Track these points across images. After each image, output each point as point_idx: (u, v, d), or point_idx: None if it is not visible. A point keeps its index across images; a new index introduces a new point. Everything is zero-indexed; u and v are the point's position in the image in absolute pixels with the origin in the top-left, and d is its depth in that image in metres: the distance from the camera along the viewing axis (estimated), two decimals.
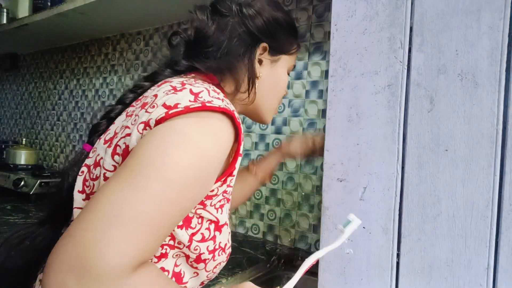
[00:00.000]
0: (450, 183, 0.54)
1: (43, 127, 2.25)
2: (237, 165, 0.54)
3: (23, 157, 1.93)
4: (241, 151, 0.54)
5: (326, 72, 1.14)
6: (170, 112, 0.46)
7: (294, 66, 0.76)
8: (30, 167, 1.91)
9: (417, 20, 0.57)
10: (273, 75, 0.68)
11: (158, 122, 0.46)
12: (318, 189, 1.15)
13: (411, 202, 0.58)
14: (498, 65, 0.51)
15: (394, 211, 0.59)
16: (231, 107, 0.51)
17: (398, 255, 0.59)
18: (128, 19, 1.59)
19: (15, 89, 2.51)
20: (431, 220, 0.56)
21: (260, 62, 0.66)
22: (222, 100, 0.51)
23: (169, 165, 0.43)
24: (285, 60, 0.70)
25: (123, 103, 0.58)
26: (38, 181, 1.54)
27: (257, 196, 1.28)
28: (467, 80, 0.53)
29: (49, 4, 1.63)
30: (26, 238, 0.54)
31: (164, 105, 0.48)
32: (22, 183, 1.55)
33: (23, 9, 1.92)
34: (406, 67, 0.58)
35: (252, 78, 0.63)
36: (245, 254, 1.07)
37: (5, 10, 1.90)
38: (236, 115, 0.51)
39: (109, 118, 0.57)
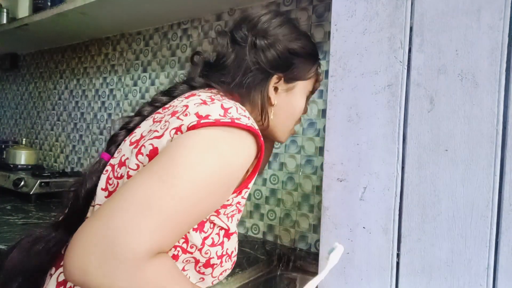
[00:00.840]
0: (450, 183, 0.54)
1: (43, 127, 2.25)
2: (253, 180, 0.57)
3: (23, 157, 1.93)
4: (259, 168, 0.57)
5: (326, 72, 1.14)
6: (202, 121, 0.50)
7: (312, 91, 0.74)
8: (30, 167, 1.91)
9: (417, 20, 0.57)
10: (289, 102, 0.69)
11: (190, 128, 0.50)
12: (318, 189, 1.15)
13: (411, 202, 0.57)
14: (498, 65, 0.51)
15: (394, 211, 0.59)
16: (255, 126, 0.54)
17: (398, 255, 0.59)
18: (128, 19, 1.59)
19: (15, 89, 2.51)
20: (431, 220, 0.56)
21: (276, 89, 0.67)
22: (249, 118, 0.54)
23: (200, 169, 0.47)
24: (302, 85, 0.70)
25: (141, 115, 0.61)
26: (38, 181, 1.54)
27: (257, 196, 1.28)
28: (467, 80, 0.53)
29: (49, 4, 1.63)
30: (38, 242, 0.55)
31: (196, 114, 0.51)
32: (22, 183, 1.55)
33: (23, 9, 1.92)
34: (406, 67, 0.58)
35: (264, 107, 0.65)
36: (245, 254, 1.07)
37: (5, 10, 1.90)
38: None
39: (127, 129, 0.60)
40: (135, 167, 0.52)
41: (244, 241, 1.21)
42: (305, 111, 0.75)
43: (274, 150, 1.24)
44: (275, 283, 1.04)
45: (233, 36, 0.66)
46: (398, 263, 0.59)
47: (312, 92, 0.74)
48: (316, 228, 1.14)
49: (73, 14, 1.51)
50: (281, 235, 1.21)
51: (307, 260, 1.07)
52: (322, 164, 0.69)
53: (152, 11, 1.47)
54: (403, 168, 0.58)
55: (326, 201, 0.66)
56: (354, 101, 0.63)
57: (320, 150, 1.15)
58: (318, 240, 1.14)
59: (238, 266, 0.95)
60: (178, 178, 0.45)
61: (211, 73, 0.65)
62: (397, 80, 0.59)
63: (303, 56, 0.68)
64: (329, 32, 0.67)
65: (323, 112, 1.14)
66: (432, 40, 0.56)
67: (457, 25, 0.54)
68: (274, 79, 0.65)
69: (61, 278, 0.54)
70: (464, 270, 0.53)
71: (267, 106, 0.66)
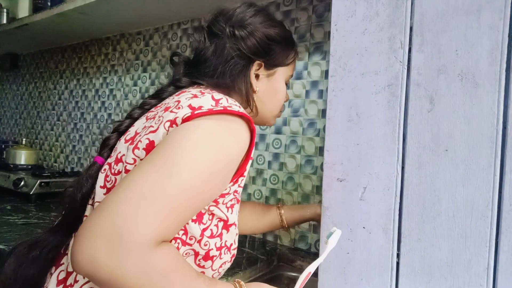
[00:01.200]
0: (450, 183, 0.54)
1: (43, 127, 2.25)
2: (248, 167, 0.58)
3: (23, 157, 1.93)
4: (252, 154, 0.58)
5: (326, 72, 1.14)
6: (196, 112, 0.51)
7: (292, 75, 0.78)
8: (30, 167, 1.91)
9: (417, 20, 0.57)
10: (271, 87, 0.72)
11: (185, 120, 0.51)
12: (318, 189, 1.15)
13: (411, 202, 0.57)
14: (498, 65, 0.51)
15: (394, 211, 0.59)
16: (246, 112, 0.56)
17: (398, 255, 0.59)
18: (128, 19, 1.59)
19: (15, 89, 2.51)
20: (431, 220, 0.56)
21: (257, 76, 0.69)
22: (239, 106, 0.56)
23: (199, 158, 0.48)
24: (282, 71, 0.73)
25: (131, 118, 0.63)
26: (38, 181, 1.54)
27: (257, 196, 1.29)
28: (467, 80, 0.53)
29: (49, 4, 1.64)
30: (35, 248, 0.55)
31: (189, 106, 0.52)
32: (22, 183, 1.55)
33: (23, 9, 1.92)
34: (406, 67, 0.58)
35: (249, 94, 0.67)
36: (245, 254, 1.07)
37: (5, 10, 1.90)
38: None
39: (119, 131, 0.61)
40: (132, 161, 0.53)
41: (244, 241, 1.21)
42: (286, 98, 0.77)
43: (274, 150, 1.24)
44: (275, 283, 1.04)
45: (210, 30, 0.67)
46: (398, 263, 0.59)
47: (291, 76, 0.77)
48: (316, 228, 1.14)
49: (73, 14, 1.51)
50: (281, 235, 1.21)
51: (307, 260, 1.07)
52: (322, 164, 0.70)
53: (152, 11, 1.47)
54: (403, 168, 0.58)
55: (326, 201, 0.66)
56: (354, 101, 0.63)
57: (320, 150, 1.15)
58: (318, 240, 1.14)
59: (238, 266, 0.95)
60: (178, 167, 0.46)
61: (193, 70, 0.67)
62: (397, 80, 0.59)
63: (281, 43, 0.70)
64: (329, 32, 0.67)
65: (323, 112, 1.14)
66: (432, 40, 0.56)
67: (457, 25, 0.54)
68: (255, 65, 0.67)
69: (61, 276, 0.54)
70: (464, 270, 0.53)
71: (251, 93, 0.67)
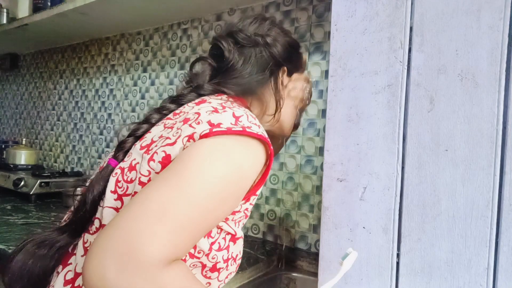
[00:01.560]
0: (450, 183, 0.54)
1: (43, 127, 2.25)
2: (261, 187, 0.59)
3: (23, 157, 1.93)
4: (268, 175, 0.59)
5: (326, 72, 1.14)
6: (214, 130, 0.51)
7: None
8: (30, 167, 1.92)
9: (417, 20, 0.57)
10: (291, 94, 0.73)
11: (203, 136, 0.50)
12: (318, 189, 1.15)
13: (411, 202, 0.57)
14: (498, 65, 0.51)
15: (394, 211, 0.59)
16: (265, 134, 0.56)
17: (398, 255, 0.59)
18: (128, 19, 1.60)
19: (15, 89, 2.51)
20: (431, 220, 0.56)
21: (282, 83, 0.70)
22: (259, 126, 0.56)
23: (213, 178, 0.48)
24: (298, 77, 0.75)
25: (149, 123, 0.62)
26: (38, 181, 1.54)
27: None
28: (467, 80, 0.53)
29: (49, 4, 1.64)
30: (43, 246, 0.55)
31: (209, 122, 0.52)
32: (22, 183, 1.55)
33: (23, 9, 1.92)
34: (406, 67, 0.58)
35: (279, 101, 0.68)
36: (245, 254, 1.07)
37: (5, 10, 1.90)
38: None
39: (135, 136, 0.61)
40: (147, 173, 0.52)
41: (244, 241, 1.21)
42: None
43: None
44: (275, 283, 1.04)
45: (235, 39, 0.68)
46: (398, 263, 0.59)
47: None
48: (316, 228, 1.14)
49: (73, 14, 1.51)
50: (281, 235, 1.21)
51: (307, 260, 1.07)
52: (322, 164, 0.70)
53: (152, 11, 1.47)
54: (403, 168, 0.58)
55: (326, 201, 0.66)
56: (354, 101, 0.63)
57: (320, 150, 1.15)
58: (318, 240, 1.14)
59: (238, 266, 0.95)
60: (193, 186, 0.46)
61: (218, 77, 0.67)
62: (397, 80, 0.59)
63: (297, 49, 0.73)
64: (329, 32, 0.67)
65: (323, 112, 1.14)
66: (432, 40, 0.56)
67: (457, 25, 0.54)
68: (281, 72, 0.69)
69: (69, 276, 0.54)
70: (464, 270, 0.53)
71: (281, 99, 0.69)
